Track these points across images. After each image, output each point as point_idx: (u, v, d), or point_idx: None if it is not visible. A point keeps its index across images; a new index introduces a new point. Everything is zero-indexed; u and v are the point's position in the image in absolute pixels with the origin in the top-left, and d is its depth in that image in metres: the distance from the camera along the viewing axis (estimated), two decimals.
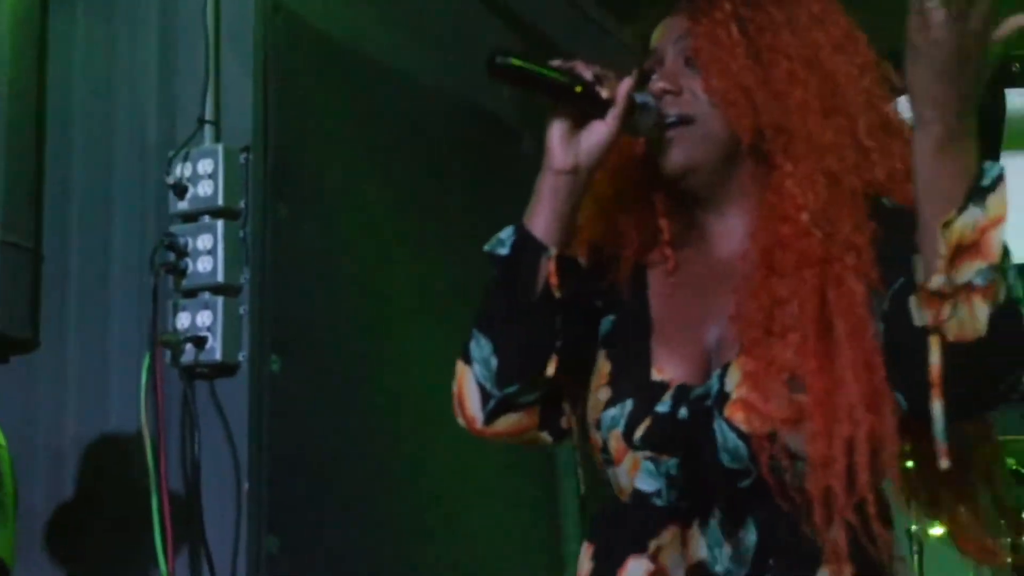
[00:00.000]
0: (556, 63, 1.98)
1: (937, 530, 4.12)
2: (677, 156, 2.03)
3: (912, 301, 1.73)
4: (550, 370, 2.01)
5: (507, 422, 2.08)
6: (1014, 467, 4.19)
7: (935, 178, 1.69)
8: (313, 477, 3.91)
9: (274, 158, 3.92)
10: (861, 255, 1.90)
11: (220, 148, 3.83)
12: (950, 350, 1.71)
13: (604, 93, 1.98)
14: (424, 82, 4.39)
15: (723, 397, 1.92)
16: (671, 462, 1.94)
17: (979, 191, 1.68)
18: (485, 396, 2.05)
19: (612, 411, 2.01)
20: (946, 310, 1.69)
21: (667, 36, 2.10)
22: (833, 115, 1.99)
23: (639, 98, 2.02)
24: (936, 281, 1.68)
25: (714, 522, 1.92)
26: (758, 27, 2.03)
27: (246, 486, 3.76)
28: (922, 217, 1.72)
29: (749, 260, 1.99)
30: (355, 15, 4.26)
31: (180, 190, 3.83)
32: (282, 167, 3.93)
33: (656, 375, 2.00)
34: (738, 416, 1.90)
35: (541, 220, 2.00)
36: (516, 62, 1.93)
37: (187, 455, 3.78)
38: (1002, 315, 1.69)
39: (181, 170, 3.84)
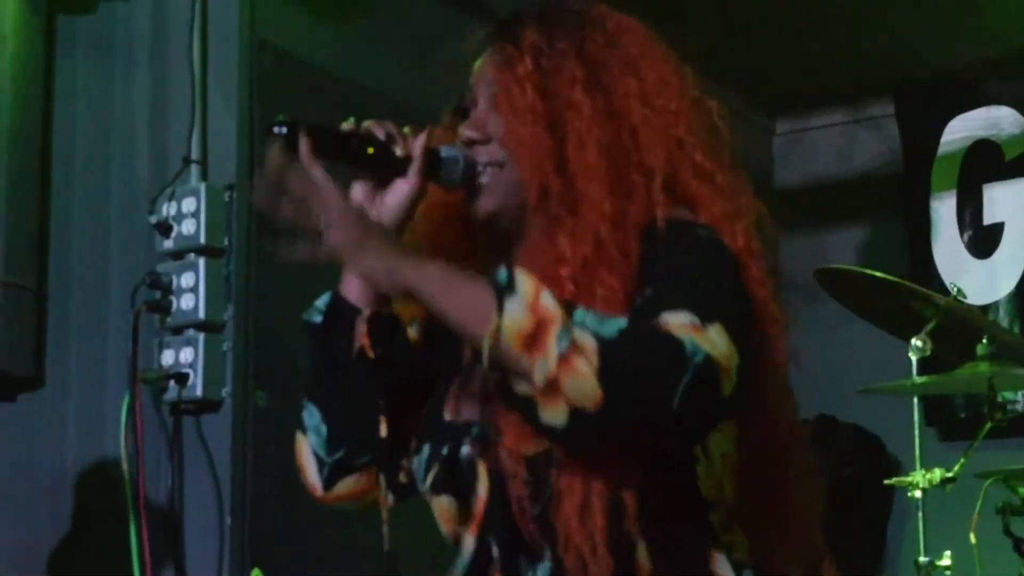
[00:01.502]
0: (346, 126, 1.98)
1: (945, 561, 4.01)
2: (487, 201, 2.02)
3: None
4: (382, 431, 2.01)
5: (345, 486, 2.09)
6: None
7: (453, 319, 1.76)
8: (296, 512, 3.91)
9: None
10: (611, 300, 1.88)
11: (203, 187, 3.91)
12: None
13: (399, 151, 1.97)
14: (418, 110, 4.39)
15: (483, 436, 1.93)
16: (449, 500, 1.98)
17: (500, 290, 1.72)
18: (320, 463, 2.07)
19: (415, 459, 2.02)
20: (563, 392, 1.70)
21: (481, 78, 2.09)
22: (625, 174, 1.95)
23: (444, 151, 2.01)
24: (539, 380, 1.69)
25: (518, 556, 1.92)
26: (557, 83, 1.99)
27: (228, 521, 3.82)
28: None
29: None
30: (345, 45, 4.32)
31: (165, 229, 3.92)
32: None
33: (447, 416, 2.00)
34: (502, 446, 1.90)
35: (353, 283, 2.01)
36: (293, 130, 1.90)
37: (172, 489, 3.86)
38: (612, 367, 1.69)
39: (167, 209, 3.92)
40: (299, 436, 2.09)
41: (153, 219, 3.92)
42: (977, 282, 5.69)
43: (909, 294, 4.09)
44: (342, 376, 2.02)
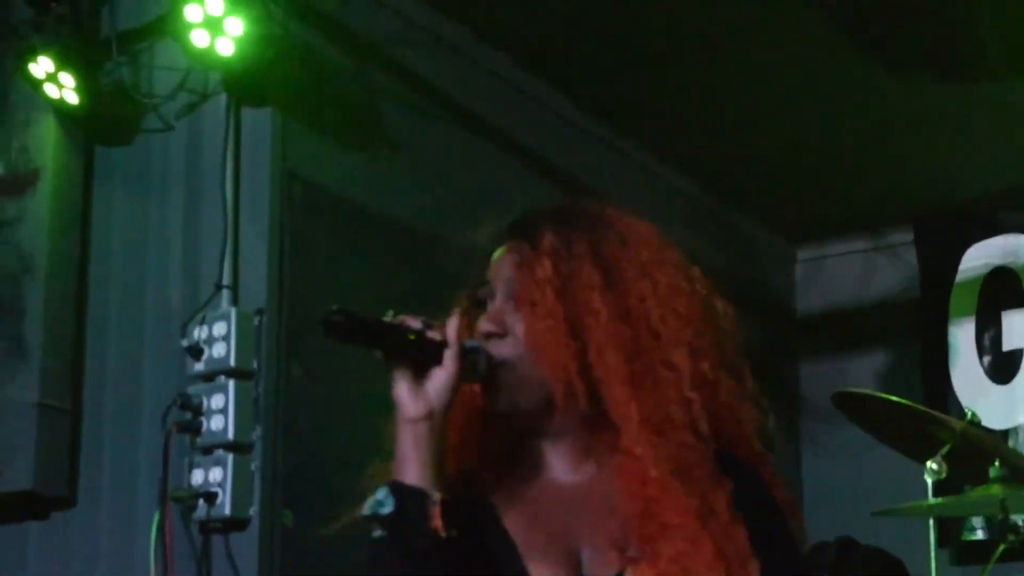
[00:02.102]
0: (387, 318, 2.03)
1: None
2: (503, 399, 2.08)
3: None
4: None
5: None
6: None
7: None
8: None
9: (289, 319, 4.11)
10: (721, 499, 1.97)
11: (234, 311, 4.04)
12: None
13: (436, 336, 2.02)
14: (444, 237, 4.53)
15: None
16: None
17: None
18: None
19: None
20: None
21: (499, 271, 2.14)
22: (651, 372, 2.03)
23: (468, 344, 2.06)
24: None
25: None
26: (575, 287, 2.06)
27: None
28: None
29: (607, 491, 2.03)
30: (374, 178, 4.47)
31: (196, 352, 4.04)
32: (296, 329, 4.11)
33: (534, 572, 2.01)
34: None
35: (412, 471, 2.00)
36: (346, 318, 1.98)
37: None
38: None
39: (198, 333, 4.05)
40: None
41: (185, 343, 4.05)
42: (997, 406, 5.77)
43: (925, 418, 4.18)
44: (419, 562, 1.98)
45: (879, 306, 6.59)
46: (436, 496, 1.97)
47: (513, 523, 2.04)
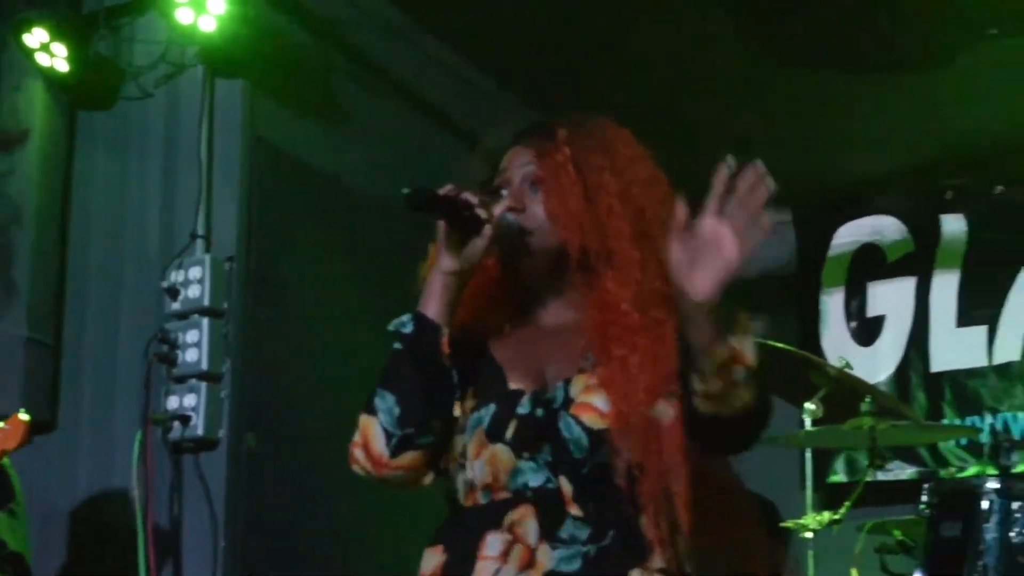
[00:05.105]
0: (446, 190, 2.56)
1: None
2: (522, 260, 2.65)
3: (695, 400, 2.37)
4: (438, 421, 2.56)
5: (407, 458, 2.57)
6: (900, 537, 4.77)
7: (703, 331, 2.33)
8: (281, 537, 4.59)
9: (255, 266, 4.68)
10: (668, 327, 2.51)
11: (207, 258, 4.60)
12: (725, 421, 2.35)
13: (483, 215, 2.57)
14: (384, 198, 5.10)
15: (568, 401, 2.52)
16: (545, 453, 2.51)
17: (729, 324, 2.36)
18: (389, 436, 2.55)
19: (477, 413, 2.57)
20: (722, 401, 2.34)
21: (515, 162, 2.70)
22: (641, 238, 2.61)
23: (504, 219, 2.62)
24: (712, 385, 2.33)
25: (562, 499, 2.48)
26: (588, 169, 2.64)
27: (223, 543, 4.47)
28: (697, 348, 2.35)
29: (583, 330, 2.61)
30: (330, 144, 5.08)
31: (173, 293, 4.59)
32: (262, 274, 4.69)
33: (512, 386, 2.60)
34: (585, 415, 2.49)
35: (433, 307, 2.57)
36: (420, 194, 2.50)
37: (173, 515, 4.49)
38: (760, 392, 2.36)
39: (175, 276, 4.60)
40: (366, 418, 2.54)
41: (164, 284, 4.59)
42: (860, 367, 6.39)
43: (805, 363, 4.81)
44: (426, 374, 2.55)
45: (759, 278, 7.17)
46: (445, 330, 2.54)
47: (501, 354, 2.62)
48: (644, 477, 2.46)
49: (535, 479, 2.48)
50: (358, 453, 2.57)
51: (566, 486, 2.46)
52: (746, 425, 2.38)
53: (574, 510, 2.44)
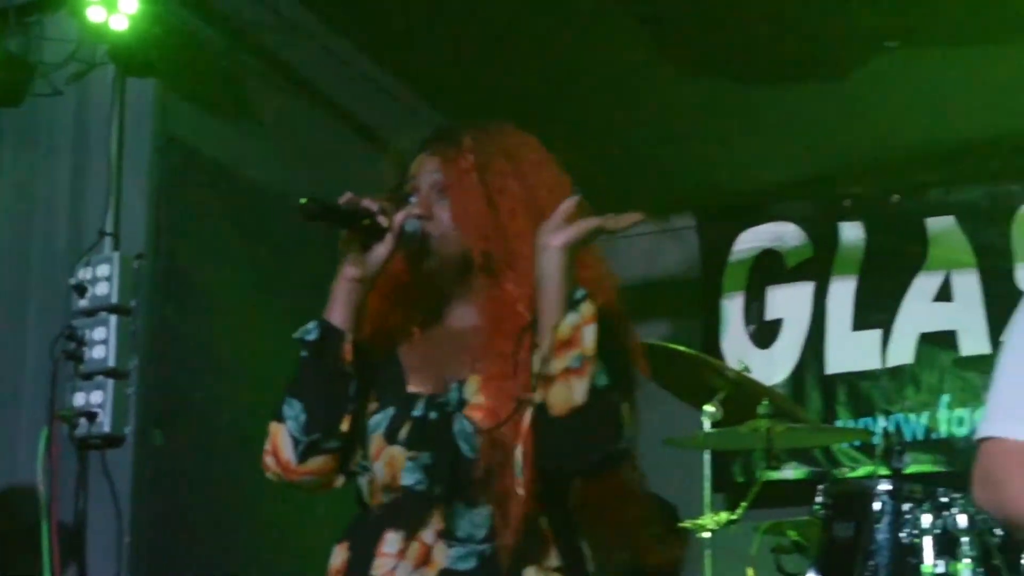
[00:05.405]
0: (345, 199, 2.62)
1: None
2: (428, 264, 2.71)
3: (534, 383, 2.48)
4: (344, 426, 2.65)
5: (314, 463, 2.67)
6: (795, 538, 4.90)
7: (552, 294, 2.48)
8: (186, 534, 4.62)
9: (163, 264, 4.71)
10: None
11: (116, 255, 4.62)
12: (554, 421, 2.45)
13: (384, 222, 2.66)
14: (298, 199, 5.15)
15: (462, 403, 2.60)
16: (425, 456, 2.59)
17: (573, 303, 2.47)
18: (296, 443, 2.65)
19: (377, 416, 2.66)
20: (555, 390, 2.45)
21: (423, 169, 2.76)
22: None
23: (408, 226, 2.69)
24: (546, 367, 2.44)
25: (458, 501, 2.56)
26: (492, 174, 2.71)
27: (128, 540, 4.49)
28: (544, 321, 2.48)
29: (480, 332, 2.69)
30: (239, 144, 5.13)
31: (81, 290, 4.61)
32: (170, 272, 4.72)
33: (410, 389, 2.68)
34: (477, 415, 2.57)
35: (337, 314, 2.65)
36: (317, 204, 2.56)
37: (78, 512, 4.51)
38: (594, 392, 2.45)
39: (83, 274, 4.62)
40: (275, 425, 2.66)
41: (72, 281, 4.61)
42: (758, 369, 6.47)
43: (705, 366, 4.92)
44: (327, 380, 2.63)
45: (664, 283, 7.29)
46: (349, 336, 2.62)
47: (407, 357, 2.69)
48: (502, 473, 2.53)
49: (408, 479, 2.57)
50: (269, 460, 2.66)
51: (439, 487, 2.54)
52: (577, 431, 2.45)
53: (440, 512, 2.53)
